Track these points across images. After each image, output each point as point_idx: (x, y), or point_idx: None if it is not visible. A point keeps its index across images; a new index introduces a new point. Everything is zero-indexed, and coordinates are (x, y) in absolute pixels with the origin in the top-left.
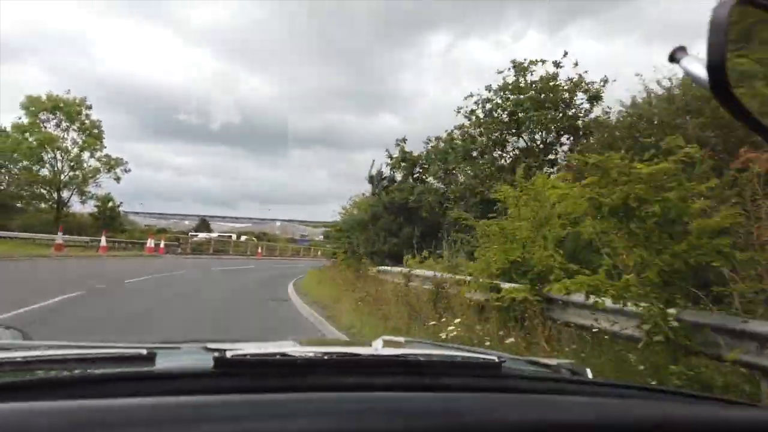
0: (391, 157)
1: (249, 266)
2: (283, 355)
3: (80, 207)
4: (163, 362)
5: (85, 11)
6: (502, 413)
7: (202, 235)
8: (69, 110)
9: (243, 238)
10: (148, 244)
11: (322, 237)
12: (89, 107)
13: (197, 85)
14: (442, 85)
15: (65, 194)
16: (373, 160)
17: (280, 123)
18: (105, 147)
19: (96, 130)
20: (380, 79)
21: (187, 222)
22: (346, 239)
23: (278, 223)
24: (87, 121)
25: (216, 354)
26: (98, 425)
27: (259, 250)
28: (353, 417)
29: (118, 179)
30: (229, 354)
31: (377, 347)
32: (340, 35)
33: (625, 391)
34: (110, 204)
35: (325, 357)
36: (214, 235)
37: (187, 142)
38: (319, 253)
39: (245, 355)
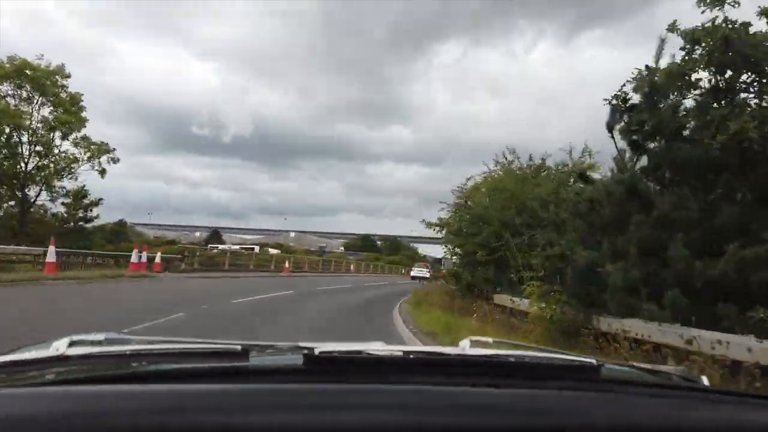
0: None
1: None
2: (370, 353)
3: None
4: (256, 359)
5: (98, 27)
6: (603, 415)
7: (222, 247)
8: (38, 78)
9: (272, 251)
10: (132, 259)
11: (342, 249)
12: (67, 76)
13: (210, 98)
14: (453, 95)
15: (37, 191)
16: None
17: (292, 135)
18: (85, 126)
19: (75, 107)
20: (391, 90)
21: (198, 234)
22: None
23: (292, 234)
24: (63, 94)
25: (306, 351)
26: (194, 409)
27: (287, 265)
28: (441, 411)
29: (102, 172)
30: (317, 351)
31: (464, 347)
32: (352, 47)
33: (748, 399)
34: (86, 201)
35: (411, 356)
36: (236, 247)
37: (200, 155)
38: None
39: (333, 352)
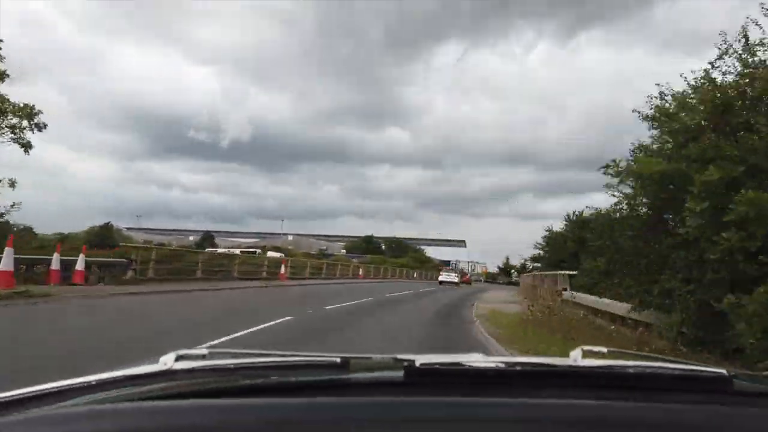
0: None
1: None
2: (472, 365)
3: None
4: (356, 371)
5: (95, 33)
6: (739, 431)
7: (221, 250)
8: None
9: (271, 253)
10: (53, 265)
11: (343, 251)
12: None
13: (208, 102)
14: (452, 98)
15: None
16: None
17: (291, 138)
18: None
19: None
20: (389, 93)
21: (192, 237)
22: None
23: (290, 237)
24: None
25: (406, 363)
26: (298, 422)
27: (283, 271)
28: (555, 426)
29: (26, 146)
30: (418, 363)
31: (576, 358)
32: (349, 50)
33: None
34: None
35: (518, 368)
36: (236, 251)
37: (197, 159)
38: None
39: (434, 364)
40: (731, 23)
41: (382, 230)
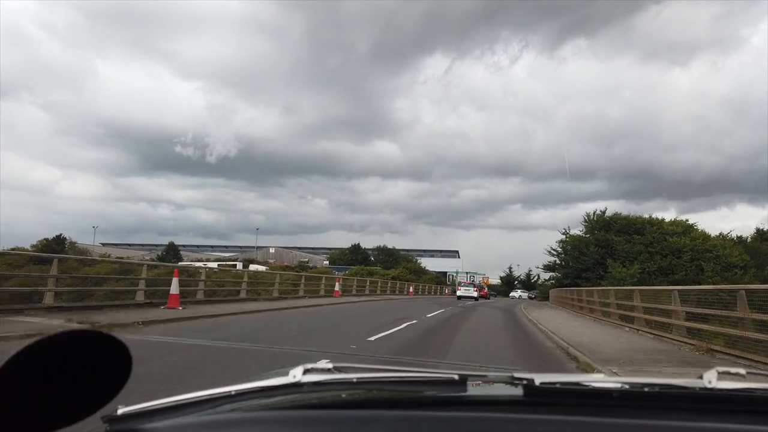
0: None
1: None
2: (596, 385)
3: None
4: (474, 388)
5: (80, 50)
6: None
7: (198, 264)
8: None
9: (254, 267)
10: None
11: (326, 263)
12: None
13: (195, 118)
14: (440, 110)
15: None
16: None
17: (278, 153)
18: None
19: None
20: (378, 105)
21: (145, 254)
22: None
23: (272, 250)
24: None
25: (525, 382)
26: None
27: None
28: None
29: None
30: (537, 382)
31: (710, 379)
32: (337, 63)
33: None
34: None
35: (645, 389)
36: (213, 265)
37: (184, 175)
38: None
39: (555, 383)
40: (713, 32)
41: (371, 244)
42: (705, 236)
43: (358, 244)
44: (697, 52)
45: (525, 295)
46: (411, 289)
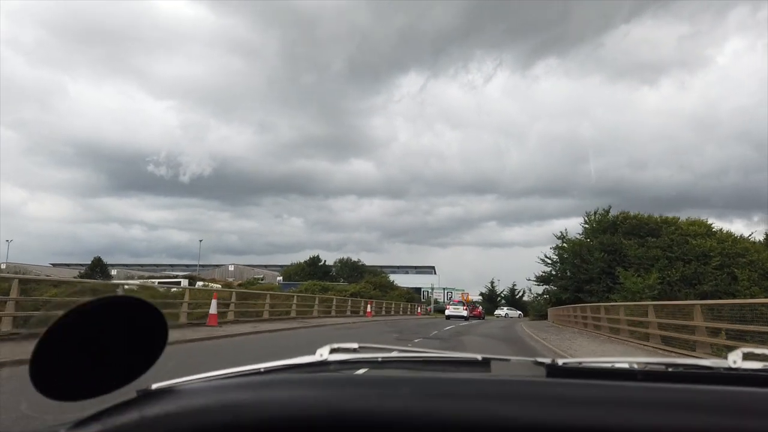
0: None
1: None
2: (619, 365)
3: None
4: (497, 368)
5: (49, 68)
6: None
7: (132, 282)
8: None
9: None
10: None
11: (280, 279)
12: None
13: (167, 137)
14: (415, 128)
15: None
16: None
17: (253, 172)
18: None
19: None
20: (353, 124)
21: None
22: None
23: (231, 268)
24: None
25: (547, 364)
26: (453, 395)
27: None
28: (715, 411)
29: None
30: (560, 363)
31: (735, 360)
32: (312, 81)
33: None
34: None
35: (669, 369)
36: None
37: (157, 195)
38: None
39: (579, 363)
40: (680, 52)
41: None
42: (734, 238)
43: (317, 256)
44: (665, 71)
45: (513, 313)
46: (369, 309)
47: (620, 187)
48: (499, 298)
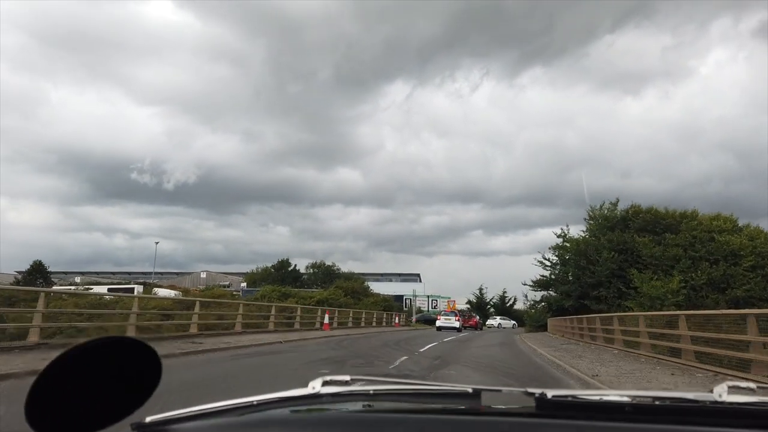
0: None
1: None
2: (608, 398)
3: None
4: (488, 400)
5: (31, 74)
6: None
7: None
8: None
9: (164, 292)
10: None
11: (244, 285)
12: None
13: (152, 144)
14: (402, 136)
15: None
16: None
17: (239, 180)
18: None
19: None
20: (340, 132)
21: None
22: None
23: (203, 275)
24: None
25: (538, 395)
26: None
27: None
28: None
29: None
30: (549, 395)
31: (720, 394)
32: (299, 89)
33: None
34: None
35: (656, 402)
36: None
37: (140, 203)
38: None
39: (567, 397)
40: (664, 63)
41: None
42: (766, 235)
43: (286, 259)
44: (649, 81)
45: (506, 323)
46: (326, 320)
47: (605, 196)
48: (488, 306)
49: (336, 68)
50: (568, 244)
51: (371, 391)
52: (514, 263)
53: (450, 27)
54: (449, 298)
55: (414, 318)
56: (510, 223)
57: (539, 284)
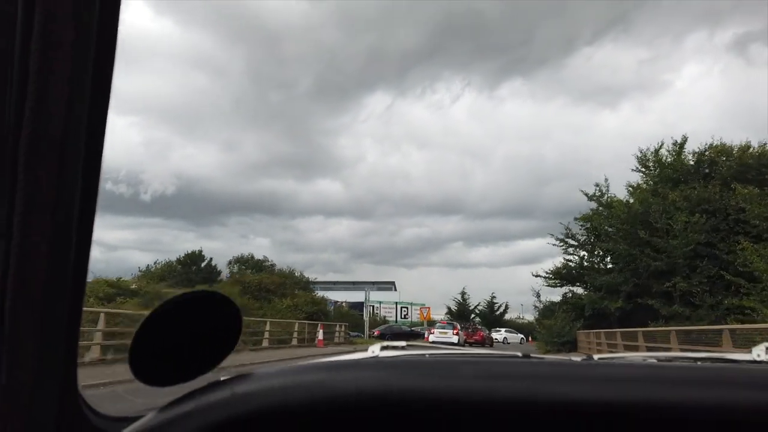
0: None
1: None
2: (652, 362)
3: None
4: (537, 361)
5: None
6: None
7: None
8: None
9: None
10: None
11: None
12: None
13: (128, 154)
14: (383, 148)
15: None
16: None
17: (219, 191)
18: None
19: None
20: (321, 143)
21: None
22: None
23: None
24: None
25: (584, 356)
26: (507, 376)
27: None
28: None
29: None
30: (596, 358)
31: (759, 354)
32: (279, 100)
33: None
34: None
35: (698, 362)
36: None
37: (116, 215)
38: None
39: (613, 358)
40: (639, 77)
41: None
42: None
43: (199, 251)
44: (625, 95)
45: (513, 337)
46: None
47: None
48: (473, 316)
49: (317, 78)
50: (612, 205)
51: (426, 355)
52: (494, 275)
53: (431, 37)
54: (423, 305)
55: (376, 331)
56: (490, 234)
57: (560, 276)
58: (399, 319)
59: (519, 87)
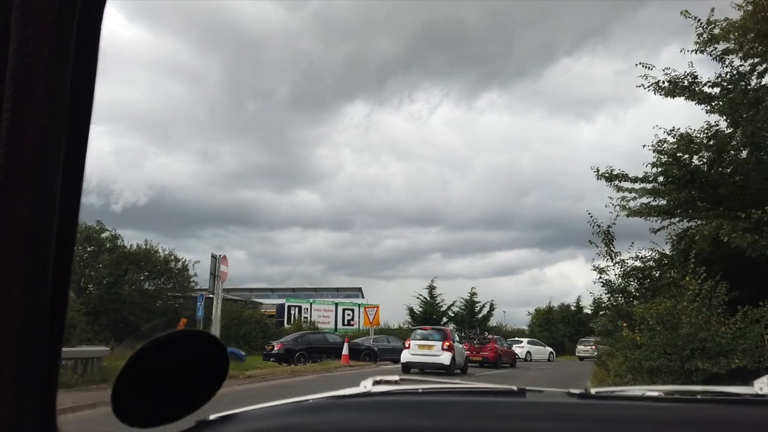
0: None
1: None
2: (650, 394)
3: None
4: (532, 397)
5: None
6: None
7: None
8: None
9: None
10: None
11: None
12: None
13: (98, 163)
14: (361, 158)
15: None
16: None
17: (193, 202)
18: None
19: None
20: (298, 154)
21: None
22: None
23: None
24: None
25: (579, 392)
26: (497, 417)
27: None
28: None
29: None
30: (593, 391)
31: (761, 386)
32: (256, 109)
33: None
34: None
35: (698, 396)
36: None
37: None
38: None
39: (611, 391)
40: (615, 89)
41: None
42: None
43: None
44: (601, 107)
45: (539, 351)
46: None
47: (559, 219)
48: (445, 320)
49: (295, 87)
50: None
51: (420, 390)
52: (473, 285)
53: (410, 47)
54: (377, 305)
55: (278, 345)
56: (468, 246)
57: (671, 178)
58: (341, 326)
59: (497, 98)
